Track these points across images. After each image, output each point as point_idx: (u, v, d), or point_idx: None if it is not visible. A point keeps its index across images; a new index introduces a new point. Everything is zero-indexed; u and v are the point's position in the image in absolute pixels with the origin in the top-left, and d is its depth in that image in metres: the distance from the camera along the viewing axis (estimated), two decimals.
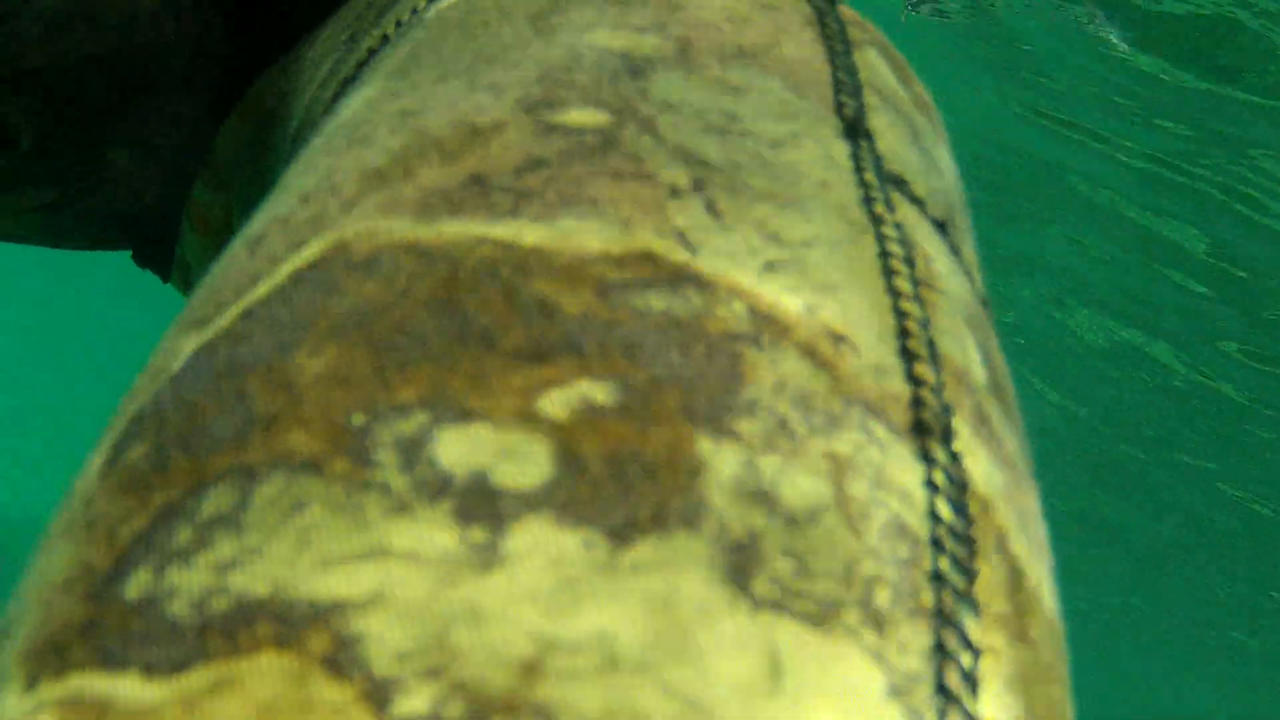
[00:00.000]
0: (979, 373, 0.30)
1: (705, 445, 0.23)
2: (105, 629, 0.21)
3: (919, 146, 0.36)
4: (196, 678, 0.20)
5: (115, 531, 0.23)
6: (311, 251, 0.27)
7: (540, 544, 0.21)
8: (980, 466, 0.27)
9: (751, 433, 0.24)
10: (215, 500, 0.23)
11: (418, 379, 0.24)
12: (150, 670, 0.20)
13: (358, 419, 0.23)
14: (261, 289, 0.27)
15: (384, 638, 0.20)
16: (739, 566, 0.22)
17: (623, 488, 0.22)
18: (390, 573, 0.21)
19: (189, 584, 0.21)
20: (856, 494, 0.24)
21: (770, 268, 0.27)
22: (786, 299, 0.27)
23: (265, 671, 0.20)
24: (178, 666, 0.20)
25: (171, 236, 0.68)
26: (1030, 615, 0.26)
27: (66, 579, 0.23)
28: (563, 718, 0.19)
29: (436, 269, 0.26)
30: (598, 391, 0.24)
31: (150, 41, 0.59)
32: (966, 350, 0.30)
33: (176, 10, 0.58)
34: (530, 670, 0.20)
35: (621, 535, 0.22)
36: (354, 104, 0.34)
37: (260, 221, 0.30)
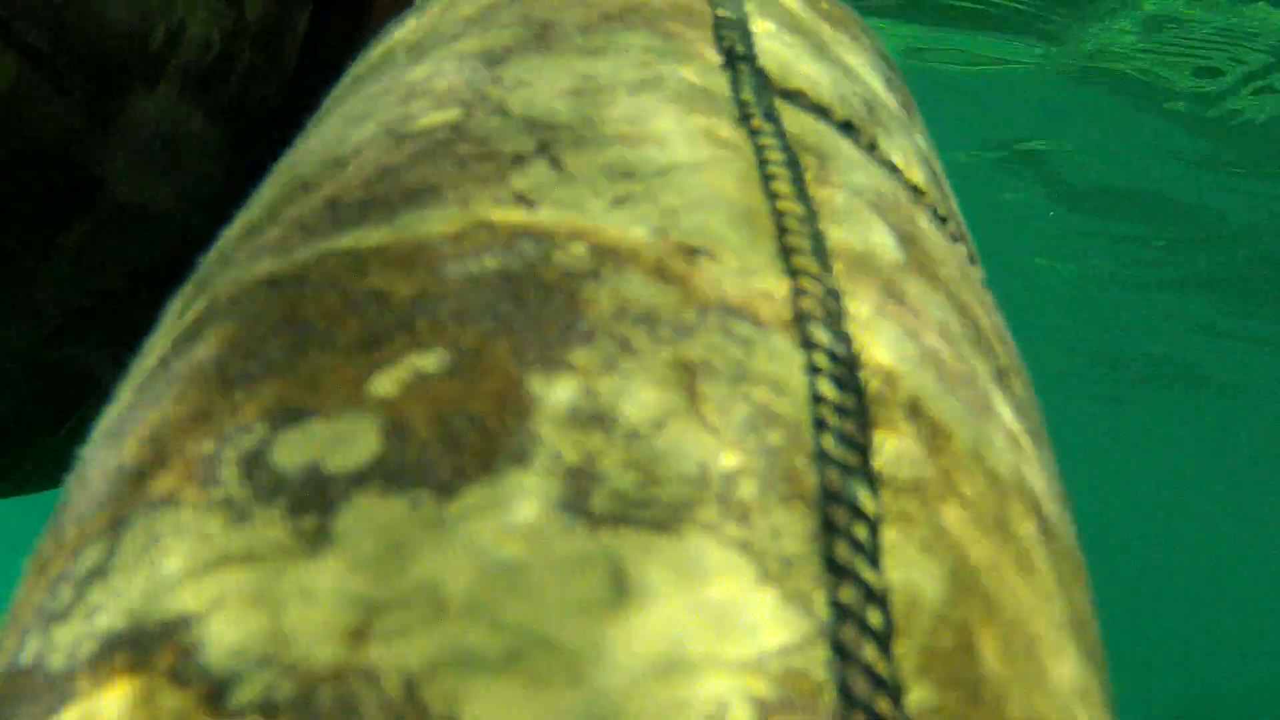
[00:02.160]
0: (889, 254, 0.28)
1: (536, 383, 0.23)
2: (3, 700, 0.22)
3: (826, 58, 0.35)
4: None
5: (19, 612, 0.24)
6: (189, 316, 0.28)
7: (366, 516, 0.21)
8: (885, 341, 0.26)
9: (588, 360, 0.23)
10: (90, 556, 0.23)
11: (261, 396, 0.24)
12: None
13: (208, 447, 0.23)
14: (149, 360, 0.28)
15: (221, 639, 0.20)
16: (576, 490, 0.21)
17: (450, 444, 0.22)
18: (228, 577, 0.21)
19: (64, 637, 0.22)
20: (711, 393, 0.23)
21: (617, 202, 0.27)
22: (632, 229, 0.26)
23: (120, 698, 0.20)
24: (48, 715, 0.21)
25: None
26: (960, 473, 0.24)
27: None
28: (389, 674, 0.19)
29: (285, 293, 0.26)
30: (427, 361, 0.23)
31: (189, 241, 0.62)
32: (870, 235, 0.28)
33: (203, 211, 0.61)
34: (357, 636, 0.20)
35: (448, 487, 0.21)
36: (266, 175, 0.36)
37: (169, 302, 0.32)
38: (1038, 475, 0.27)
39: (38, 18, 0.52)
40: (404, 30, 0.39)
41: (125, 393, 0.28)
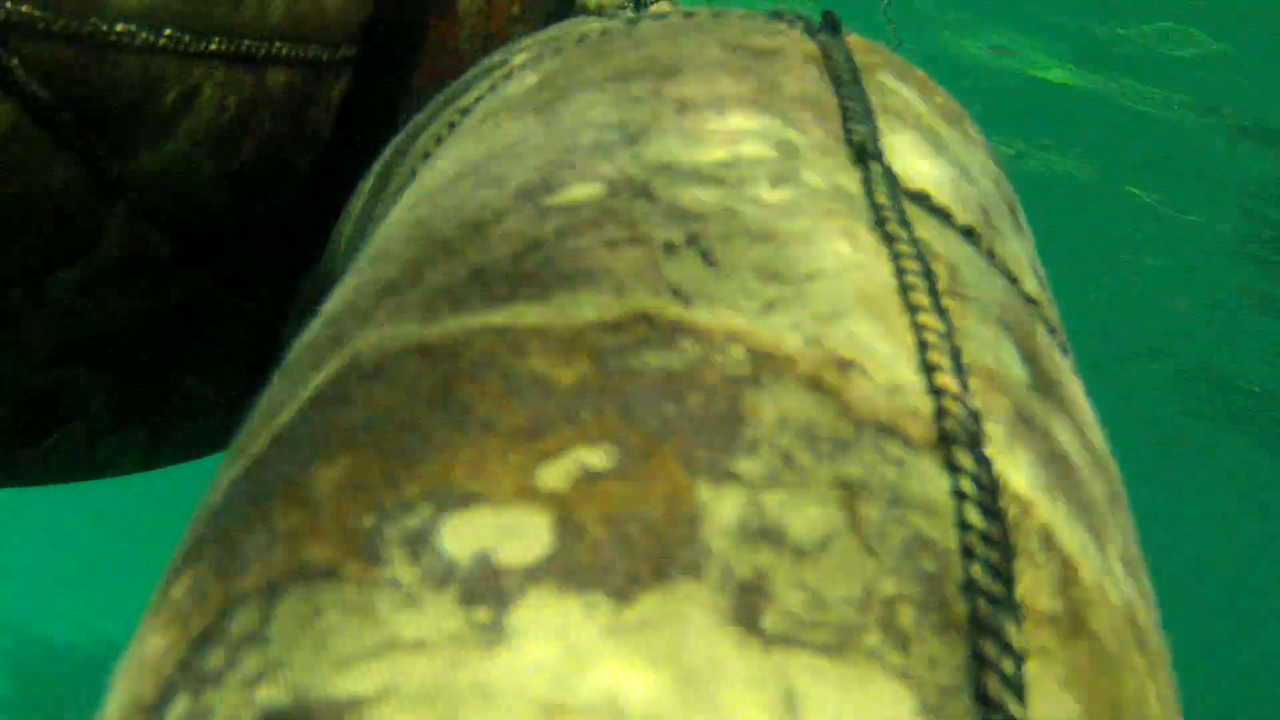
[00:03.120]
0: (1017, 373, 0.29)
1: (704, 492, 0.23)
2: None
3: (945, 157, 0.36)
4: None
5: (160, 664, 0.24)
6: (329, 369, 0.28)
7: (543, 615, 0.21)
8: (1019, 466, 0.26)
9: (753, 472, 0.24)
10: (242, 619, 0.23)
11: (422, 474, 0.24)
12: None
13: (368, 521, 0.24)
14: (286, 413, 0.28)
15: None
16: (747, 606, 0.22)
17: (623, 547, 0.22)
18: (400, 664, 0.21)
19: (220, 703, 0.22)
20: (870, 516, 0.24)
21: (769, 306, 0.27)
22: (787, 335, 0.27)
23: None
24: None
25: None
26: (1088, 608, 0.25)
27: (120, 716, 0.24)
28: None
29: (439, 366, 0.26)
30: (594, 457, 0.24)
31: (191, 291, 0.63)
32: (1000, 353, 0.29)
33: (210, 264, 0.62)
34: None
35: (624, 594, 0.22)
36: (381, 229, 0.36)
37: (293, 351, 0.32)
38: (1142, 600, 0.28)
39: (43, 69, 0.52)
40: (521, 86, 0.39)
41: (256, 441, 0.28)
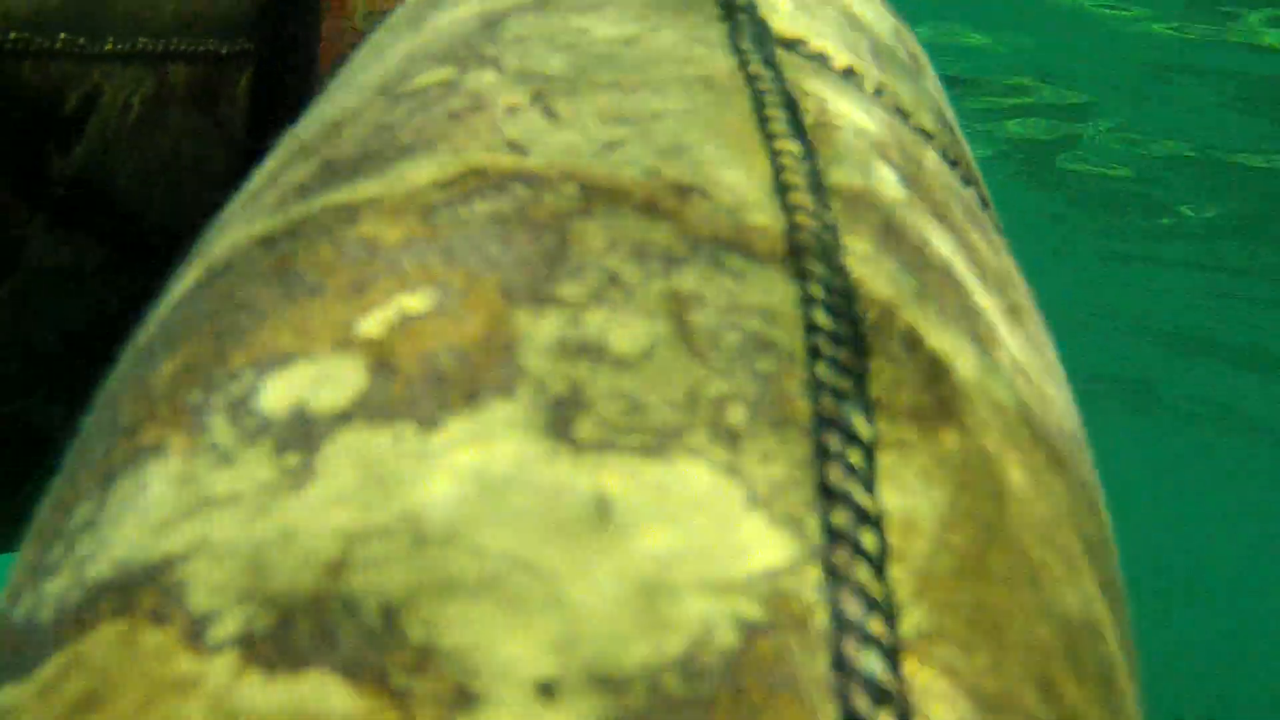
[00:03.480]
0: (891, 191, 0.28)
1: (523, 318, 0.23)
2: None
3: (827, 9, 0.35)
4: (51, 668, 0.20)
5: (16, 575, 0.24)
6: (185, 281, 0.28)
7: (349, 450, 0.21)
8: (883, 274, 0.25)
9: (576, 294, 0.23)
10: (81, 512, 0.23)
11: (249, 343, 0.24)
12: (16, 674, 0.21)
13: (196, 396, 0.23)
14: (147, 330, 0.28)
15: (203, 578, 0.20)
16: (560, 419, 0.21)
17: (435, 378, 0.22)
18: (211, 518, 0.21)
19: (54, 589, 0.22)
20: (701, 323, 0.23)
21: (609, 146, 0.26)
22: (625, 168, 0.26)
23: (103, 641, 0.20)
24: (36, 664, 0.21)
25: None
26: (961, 402, 0.24)
27: None
28: (368, 603, 0.19)
29: (278, 247, 0.26)
30: (413, 301, 0.23)
31: (126, 299, 0.63)
32: (870, 175, 0.28)
33: (141, 269, 0.62)
34: (337, 567, 0.19)
35: (432, 419, 0.21)
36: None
37: (171, 274, 0.32)
38: (1047, 408, 0.27)
39: None
40: (404, 8, 0.39)
41: (123, 361, 0.28)
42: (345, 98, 0.32)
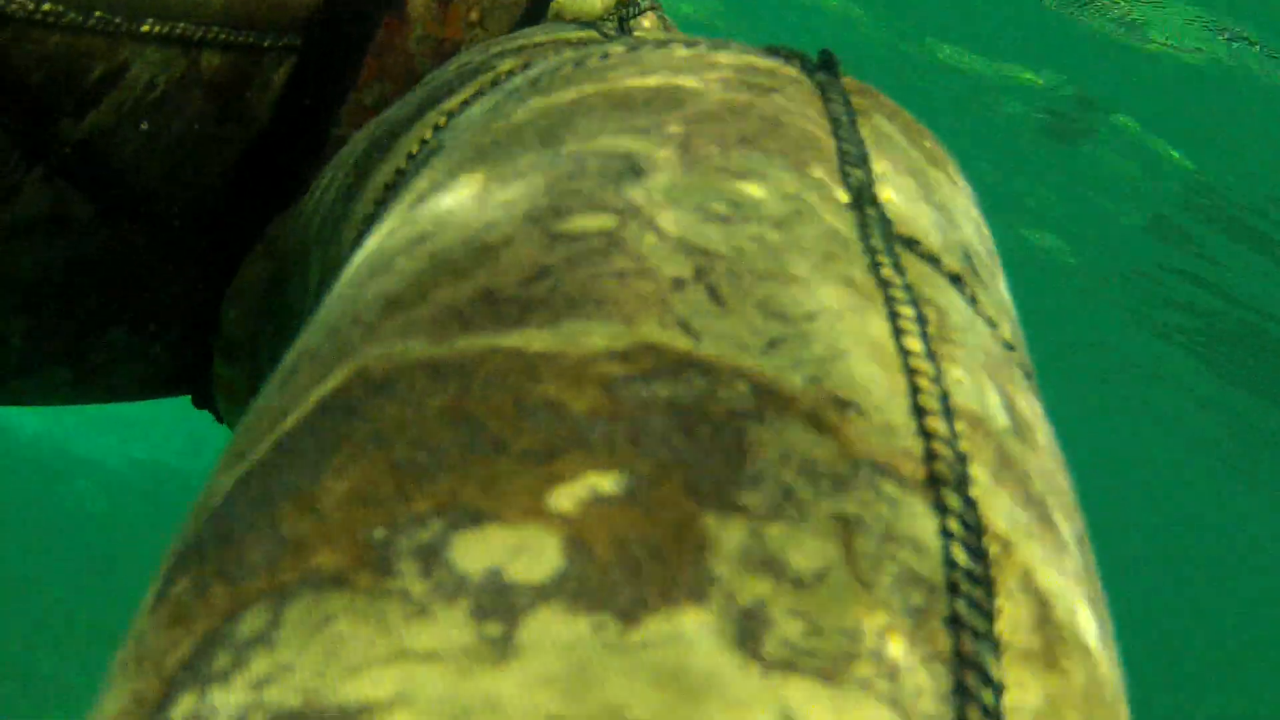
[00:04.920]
0: (1000, 418, 0.30)
1: (710, 522, 0.24)
2: None
3: (933, 203, 0.37)
4: None
5: (162, 662, 0.25)
6: (335, 380, 0.29)
7: (552, 631, 0.22)
8: (1001, 508, 0.28)
9: (757, 504, 0.25)
10: (250, 622, 0.24)
11: (434, 490, 0.25)
12: None
13: (379, 533, 0.24)
14: (291, 420, 0.29)
15: None
16: (748, 632, 0.23)
17: (631, 571, 0.23)
18: (412, 673, 0.22)
19: (228, 703, 0.23)
20: (865, 550, 0.25)
21: (773, 345, 0.28)
22: (789, 373, 0.28)
23: None
24: None
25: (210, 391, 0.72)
26: (1061, 645, 0.26)
27: (121, 711, 0.24)
28: None
29: (449, 384, 0.27)
30: (605, 482, 0.25)
31: (112, 250, 0.63)
32: (985, 398, 0.30)
33: (133, 227, 0.63)
34: None
35: (630, 615, 0.23)
36: (376, 237, 0.36)
37: (291, 356, 0.32)
38: (1104, 636, 0.29)
39: None
40: (523, 108, 0.39)
41: (259, 446, 0.29)
42: (486, 213, 0.33)
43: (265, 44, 0.60)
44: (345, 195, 0.51)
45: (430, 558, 0.24)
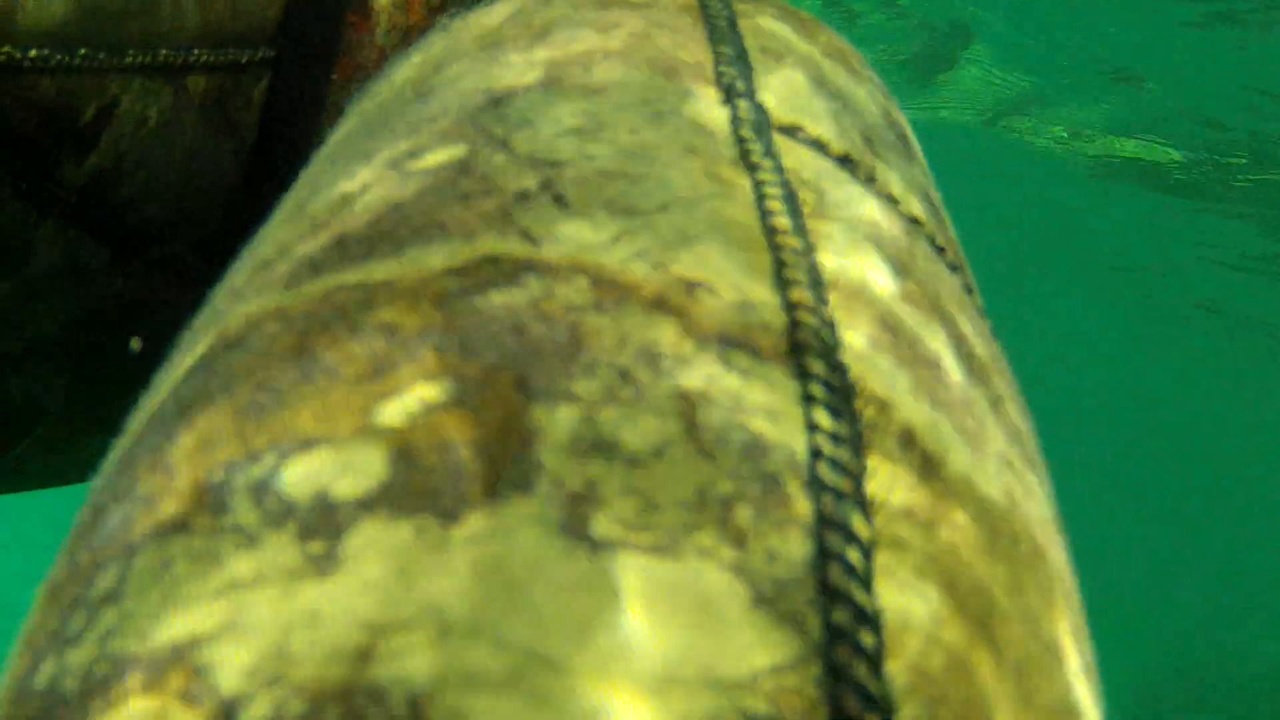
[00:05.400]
0: (885, 286, 0.29)
1: (538, 413, 0.24)
2: None
3: (823, 92, 0.36)
4: None
5: (32, 636, 0.25)
6: (200, 347, 0.29)
7: (373, 540, 0.22)
8: (880, 371, 0.26)
9: (589, 391, 0.24)
10: (103, 582, 0.24)
11: (270, 426, 0.25)
12: None
13: (217, 475, 0.24)
14: (162, 393, 0.29)
15: (232, 660, 0.21)
16: (576, 516, 0.22)
17: (454, 471, 0.23)
18: (238, 600, 0.22)
19: (79, 660, 0.23)
20: (709, 422, 0.24)
21: (617, 239, 0.28)
22: (632, 263, 0.27)
23: (131, 718, 0.21)
24: None
25: None
26: (951, 500, 0.25)
27: (4, 694, 0.24)
28: (394, 693, 0.20)
29: (294, 325, 0.27)
30: (431, 391, 0.24)
31: (135, 294, 0.64)
32: (866, 268, 0.29)
33: (152, 267, 0.63)
34: (363, 656, 0.20)
35: (453, 513, 0.22)
36: (273, 212, 0.36)
37: (181, 336, 0.32)
38: (1030, 500, 0.28)
39: None
40: (408, 67, 0.39)
41: (135, 424, 0.29)
42: (351, 167, 0.33)
43: (244, 60, 0.61)
44: None
45: (261, 490, 0.23)
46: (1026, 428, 0.31)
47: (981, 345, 0.31)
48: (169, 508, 0.24)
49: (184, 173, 0.61)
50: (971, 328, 0.32)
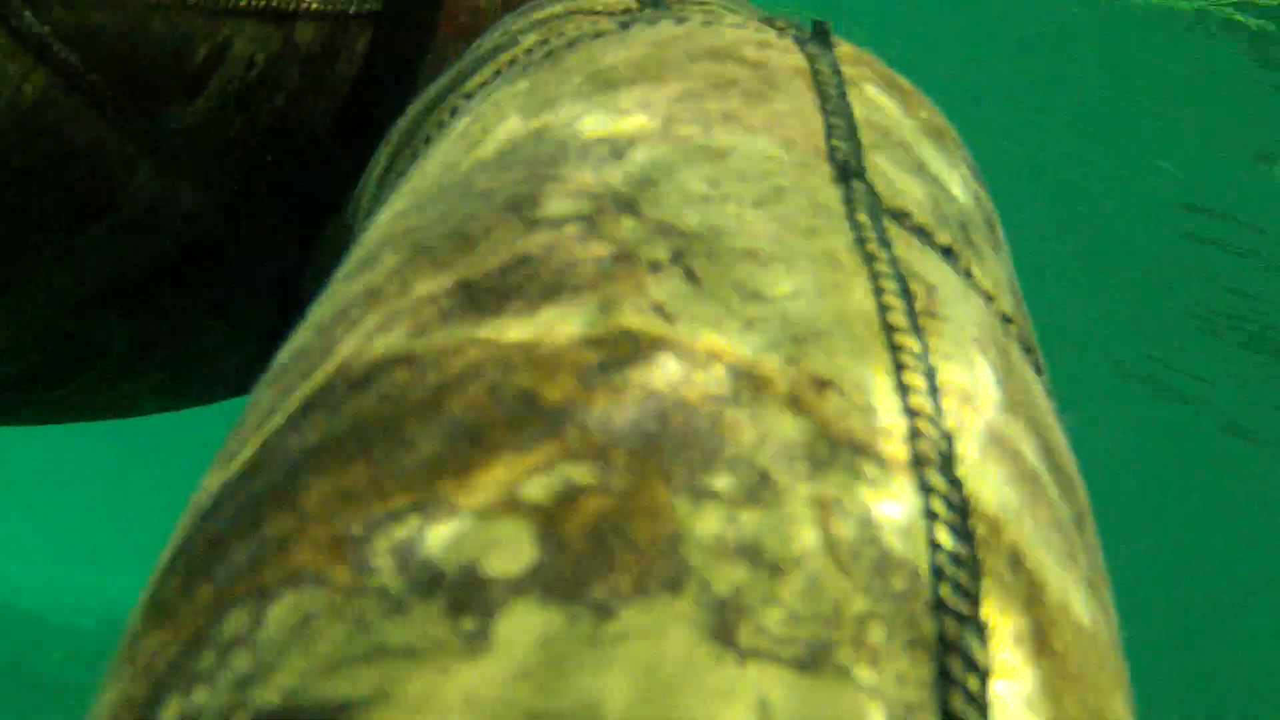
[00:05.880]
0: (991, 393, 0.30)
1: (684, 509, 0.24)
2: None
3: (926, 174, 0.36)
4: None
5: (152, 664, 0.25)
6: (319, 377, 0.29)
7: (527, 625, 0.22)
8: (989, 487, 0.27)
9: (731, 489, 0.25)
10: (234, 622, 0.24)
11: (410, 484, 0.25)
12: None
13: (357, 530, 0.24)
14: (277, 419, 0.29)
15: None
16: (724, 622, 0.23)
17: (605, 561, 0.23)
18: (390, 670, 0.22)
19: (212, 703, 0.23)
20: (844, 534, 0.24)
21: (749, 325, 0.28)
22: (766, 354, 0.27)
23: None
24: None
25: None
26: (1052, 627, 0.26)
27: (112, 713, 0.25)
28: None
29: (426, 377, 0.27)
30: (577, 472, 0.25)
31: (216, 239, 0.63)
32: (974, 373, 0.30)
33: (235, 213, 0.63)
34: None
35: (605, 607, 0.23)
36: (371, 231, 0.36)
37: (283, 355, 0.32)
38: (1109, 624, 0.29)
39: (72, 34, 0.53)
40: (512, 89, 0.39)
41: (247, 447, 0.29)
42: (467, 203, 0.33)
43: (351, 10, 0.61)
44: (384, 173, 0.51)
45: (406, 553, 0.24)
46: (1098, 541, 0.33)
47: (1066, 457, 0.32)
48: (302, 556, 0.24)
49: (280, 123, 0.61)
50: (1059, 438, 0.33)
